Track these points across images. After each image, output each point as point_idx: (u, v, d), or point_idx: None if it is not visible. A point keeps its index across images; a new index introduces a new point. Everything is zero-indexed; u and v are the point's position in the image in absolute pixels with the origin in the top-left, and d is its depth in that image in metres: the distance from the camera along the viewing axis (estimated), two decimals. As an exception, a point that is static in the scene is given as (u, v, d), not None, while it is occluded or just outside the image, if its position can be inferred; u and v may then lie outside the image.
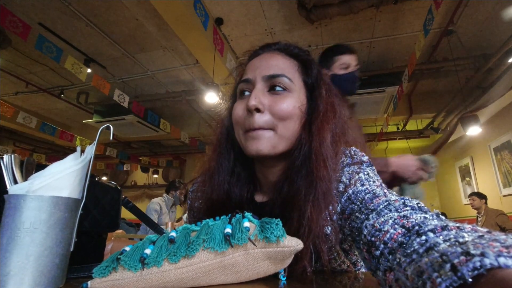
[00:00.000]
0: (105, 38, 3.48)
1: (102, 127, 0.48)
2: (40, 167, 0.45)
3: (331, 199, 0.48)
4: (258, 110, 0.50)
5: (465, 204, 5.15)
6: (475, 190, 4.54)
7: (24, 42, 2.37)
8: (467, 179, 5.25)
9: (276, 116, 0.50)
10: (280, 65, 0.54)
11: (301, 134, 0.52)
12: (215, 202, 0.56)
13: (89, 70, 3.52)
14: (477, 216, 3.94)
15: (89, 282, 0.37)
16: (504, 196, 4.27)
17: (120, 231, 2.74)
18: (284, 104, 0.51)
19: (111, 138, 0.48)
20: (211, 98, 3.35)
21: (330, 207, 0.48)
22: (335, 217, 0.48)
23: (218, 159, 0.58)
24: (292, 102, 0.52)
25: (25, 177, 0.44)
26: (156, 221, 3.36)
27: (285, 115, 0.51)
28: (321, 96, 0.55)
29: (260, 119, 0.50)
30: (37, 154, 6.42)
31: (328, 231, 0.45)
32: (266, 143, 0.50)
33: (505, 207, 4.11)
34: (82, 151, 0.48)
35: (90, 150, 0.48)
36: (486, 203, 3.87)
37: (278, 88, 0.52)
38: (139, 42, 3.58)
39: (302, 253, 0.44)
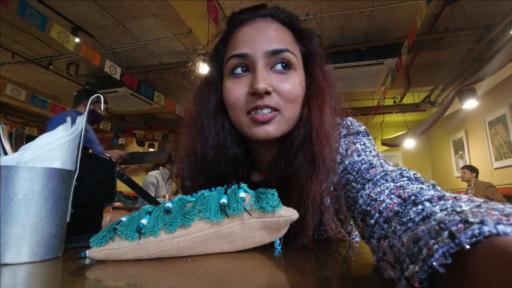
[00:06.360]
0: (92, 5, 3.29)
1: (92, 96, 0.46)
2: (30, 138, 0.44)
3: (333, 174, 0.46)
4: (267, 93, 0.45)
5: (456, 177, 5.28)
6: (468, 163, 4.64)
7: (5, 7, 2.24)
8: (460, 152, 5.34)
9: (284, 98, 0.47)
10: (281, 37, 0.48)
11: (301, 112, 0.49)
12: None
13: (77, 40, 3.35)
14: (467, 189, 4.05)
15: (87, 251, 0.38)
16: (495, 169, 4.37)
17: (118, 203, 2.78)
18: (291, 85, 0.47)
19: (102, 107, 0.46)
20: (206, 69, 3.25)
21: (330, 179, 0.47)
22: (332, 187, 0.48)
23: (211, 133, 0.51)
24: (297, 81, 0.48)
25: (15, 149, 0.43)
26: (153, 194, 3.42)
27: (293, 97, 0.47)
28: (319, 69, 0.51)
29: (270, 100, 0.46)
30: (30, 128, 6.32)
31: (328, 203, 0.46)
32: (275, 126, 0.47)
33: (495, 179, 4.22)
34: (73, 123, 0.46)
35: (81, 121, 0.46)
36: (476, 176, 3.95)
37: (283, 66, 0.47)
38: (129, 9, 3.38)
39: (304, 228, 0.44)
